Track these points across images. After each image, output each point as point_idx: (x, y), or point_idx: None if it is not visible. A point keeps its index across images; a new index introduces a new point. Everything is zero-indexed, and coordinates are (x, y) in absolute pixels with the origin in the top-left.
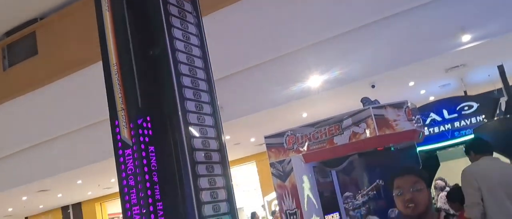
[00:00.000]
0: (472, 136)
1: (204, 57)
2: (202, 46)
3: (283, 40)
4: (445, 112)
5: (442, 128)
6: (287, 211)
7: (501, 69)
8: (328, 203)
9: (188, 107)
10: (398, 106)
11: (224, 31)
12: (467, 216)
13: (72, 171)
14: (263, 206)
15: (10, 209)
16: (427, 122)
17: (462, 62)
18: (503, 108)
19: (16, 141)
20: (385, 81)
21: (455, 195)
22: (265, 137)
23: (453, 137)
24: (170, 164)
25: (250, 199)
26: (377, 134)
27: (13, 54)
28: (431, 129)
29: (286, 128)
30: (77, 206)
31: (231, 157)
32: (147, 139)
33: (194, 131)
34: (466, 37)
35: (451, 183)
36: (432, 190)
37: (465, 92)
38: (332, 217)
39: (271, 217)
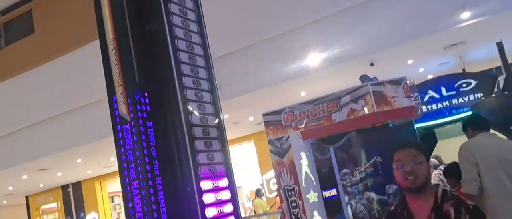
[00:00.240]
0: (469, 113)
1: (202, 33)
2: (200, 22)
3: (282, 18)
4: (443, 89)
5: (440, 105)
6: (285, 187)
7: (500, 46)
8: (326, 180)
9: (185, 83)
10: (396, 82)
11: (222, 9)
12: (464, 192)
13: (71, 150)
14: (261, 184)
15: (10, 188)
16: (425, 99)
17: (461, 39)
18: (501, 86)
19: (15, 120)
20: (384, 59)
21: (452, 171)
22: (264, 115)
23: (451, 114)
24: (168, 139)
25: (248, 178)
26: (375, 110)
27: (9, 32)
28: (429, 106)
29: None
30: (77, 185)
31: (229, 136)
32: (145, 114)
33: (192, 107)
34: (465, 14)
35: (447, 162)
36: None
37: (463, 69)
38: (330, 193)
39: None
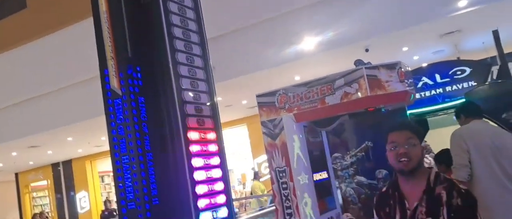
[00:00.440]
0: (463, 100)
1: (196, 9)
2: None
3: (277, 0)
4: (437, 76)
5: (433, 92)
6: (277, 169)
7: (495, 34)
8: (317, 162)
9: (179, 58)
10: (391, 67)
11: None
12: (454, 178)
13: (62, 128)
14: (253, 168)
15: (0, 165)
16: (419, 85)
17: (457, 27)
18: (495, 76)
19: (6, 96)
20: (379, 45)
21: (442, 157)
22: (257, 96)
23: (444, 102)
24: (160, 115)
25: (240, 161)
26: (369, 94)
27: (1, 7)
28: (422, 93)
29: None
30: (68, 163)
31: (222, 119)
32: (137, 89)
33: (185, 84)
34: (462, 2)
35: (436, 152)
36: None
37: (458, 58)
38: (320, 175)
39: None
